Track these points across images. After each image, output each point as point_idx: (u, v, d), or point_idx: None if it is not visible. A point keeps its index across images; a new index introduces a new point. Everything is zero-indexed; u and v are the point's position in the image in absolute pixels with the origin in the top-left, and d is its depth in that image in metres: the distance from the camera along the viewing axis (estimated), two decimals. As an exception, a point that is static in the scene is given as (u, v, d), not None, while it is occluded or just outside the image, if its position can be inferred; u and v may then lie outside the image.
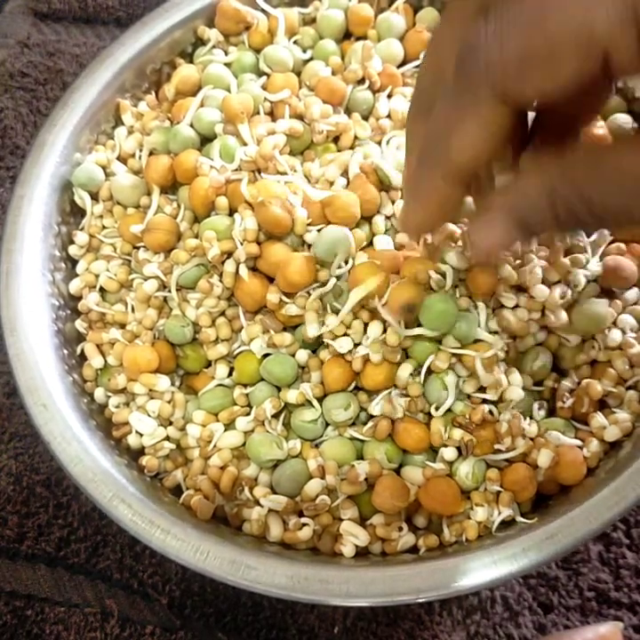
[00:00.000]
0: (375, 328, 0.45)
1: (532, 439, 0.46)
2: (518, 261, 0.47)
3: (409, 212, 0.42)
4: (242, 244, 0.47)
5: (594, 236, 0.48)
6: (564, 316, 0.47)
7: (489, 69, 0.32)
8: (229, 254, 0.47)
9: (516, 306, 0.47)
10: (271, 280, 0.48)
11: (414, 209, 0.41)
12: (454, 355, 0.45)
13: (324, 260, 0.47)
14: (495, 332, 0.46)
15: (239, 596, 0.55)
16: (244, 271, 0.47)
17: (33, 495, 0.59)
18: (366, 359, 0.45)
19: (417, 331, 0.45)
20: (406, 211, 0.43)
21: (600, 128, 0.51)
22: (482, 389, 0.46)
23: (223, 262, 0.47)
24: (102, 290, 0.52)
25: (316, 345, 0.48)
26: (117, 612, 0.56)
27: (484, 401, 0.46)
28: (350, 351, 0.46)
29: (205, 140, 0.52)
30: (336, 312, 0.46)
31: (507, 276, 0.46)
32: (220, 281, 0.48)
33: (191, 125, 0.53)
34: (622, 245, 0.49)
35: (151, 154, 0.53)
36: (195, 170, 0.50)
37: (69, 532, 0.58)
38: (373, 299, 0.44)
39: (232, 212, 0.49)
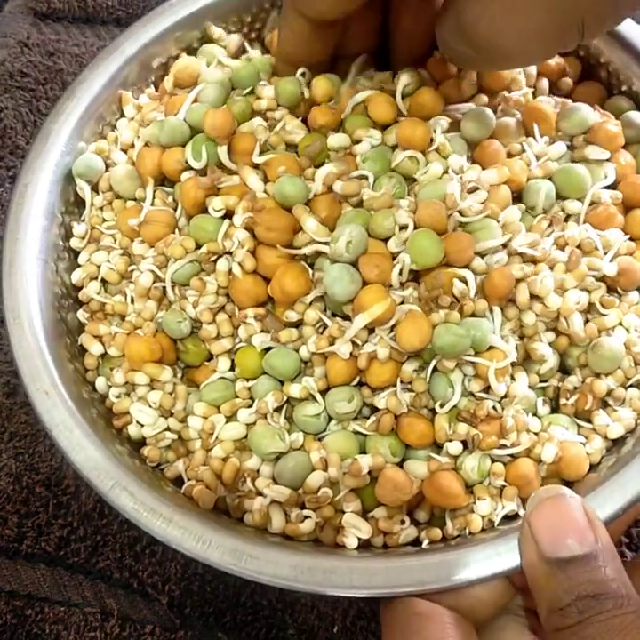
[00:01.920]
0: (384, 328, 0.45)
1: (536, 434, 0.46)
2: (532, 269, 0.46)
3: (279, 42, 0.52)
4: (228, 247, 0.47)
5: (606, 232, 0.48)
6: (577, 319, 0.46)
7: None
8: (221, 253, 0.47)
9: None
10: (266, 280, 0.47)
11: (280, 38, 0.52)
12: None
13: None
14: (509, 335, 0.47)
15: (239, 595, 0.55)
16: (237, 270, 0.47)
17: (33, 495, 0.59)
18: (373, 357, 0.45)
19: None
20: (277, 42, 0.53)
21: (614, 125, 0.51)
22: (487, 388, 0.46)
23: (215, 261, 0.47)
24: (104, 281, 0.52)
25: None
26: (117, 612, 0.56)
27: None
28: (357, 346, 0.45)
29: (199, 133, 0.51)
30: (339, 315, 0.46)
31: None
32: (215, 279, 0.47)
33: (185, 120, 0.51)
34: (632, 244, 0.49)
35: (147, 145, 0.53)
36: (178, 171, 0.50)
37: (69, 531, 0.58)
38: (378, 324, 0.44)
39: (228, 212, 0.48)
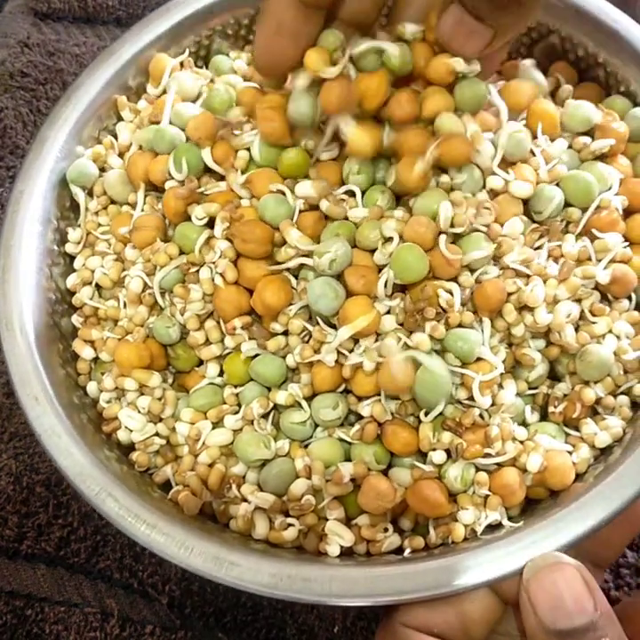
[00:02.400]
0: (370, 338, 0.45)
1: (521, 442, 0.46)
2: (523, 281, 0.46)
3: (257, 42, 0.45)
4: (208, 259, 0.47)
5: (606, 235, 0.48)
6: (570, 331, 0.46)
7: None
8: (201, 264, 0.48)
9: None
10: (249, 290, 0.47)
11: (259, 35, 0.44)
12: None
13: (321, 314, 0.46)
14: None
15: (239, 595, 0.56)
16: (219, 281, 0.47)
17: (33, 495, 0.59)
18: (357, 367, 0.45)
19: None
20: (256, 43, 0.45)
21: (620, 124, 0.50)
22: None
23: (197, 271, 0.48)
24: (99, 286, 0.52)
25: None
26: (117, 612, 0.56)
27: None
28: (343, 355, 0.45)
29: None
30: (326, 323, 0.46)
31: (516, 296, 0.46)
32: (200, 286, 0.47)
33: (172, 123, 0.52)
34: (628, 251, 0.48)
35: (141, 148, 0.53)
36: (162, 181, 0.50)
37: (69, 531, 0.58)
38: (362, 336, 0.44)
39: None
